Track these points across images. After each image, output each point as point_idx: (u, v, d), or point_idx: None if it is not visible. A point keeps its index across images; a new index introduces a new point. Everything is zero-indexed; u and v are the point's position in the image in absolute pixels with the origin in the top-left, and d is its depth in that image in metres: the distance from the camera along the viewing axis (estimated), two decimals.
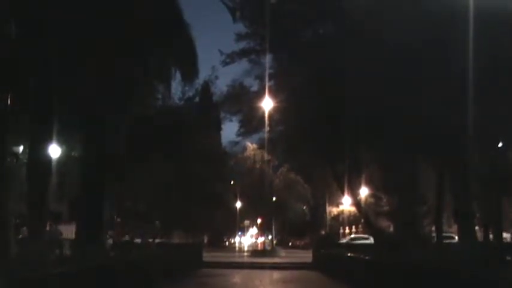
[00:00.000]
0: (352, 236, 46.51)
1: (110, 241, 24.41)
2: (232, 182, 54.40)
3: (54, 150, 17.53)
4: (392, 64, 16.36)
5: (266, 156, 44.15)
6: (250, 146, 51.61)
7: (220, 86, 28.73)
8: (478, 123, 14.54)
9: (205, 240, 61.47)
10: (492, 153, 18.79)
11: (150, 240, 34.71)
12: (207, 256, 32.94)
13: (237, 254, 49.14)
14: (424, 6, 14.86)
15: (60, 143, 18.73)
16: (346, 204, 43.18)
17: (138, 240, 32.62)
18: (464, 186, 17.54)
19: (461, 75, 14.03)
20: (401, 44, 15.64)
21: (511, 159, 19.92)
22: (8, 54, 13.07)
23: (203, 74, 27.35)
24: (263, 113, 27.70)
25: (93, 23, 14.45)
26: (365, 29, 17.55)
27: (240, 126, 32.46)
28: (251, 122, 30.58)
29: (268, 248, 51.71)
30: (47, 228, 16.90)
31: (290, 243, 69.41)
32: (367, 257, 18.69)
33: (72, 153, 21.87)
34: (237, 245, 72.62)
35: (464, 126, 14.82)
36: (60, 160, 19.31)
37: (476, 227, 22.08)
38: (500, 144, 19.19)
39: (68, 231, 21.78)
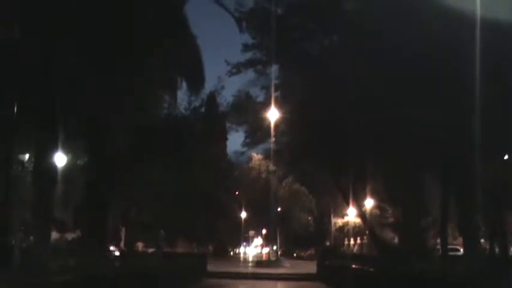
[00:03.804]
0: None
1: (116, 251, 24.42)
2: (237, 192, 54.40)
3: (60, 159, 17.58)
4: (398, 76, 16.36)
5: (271, 167, 44.10)
6: (256, 156, 51.78)
7: (226, 96, 28.61)
8: (483, 135, 14.49)
9: (210, 250, 61.32)
10: (497, 165, 18.71)
11: (151, 250, 34.66)
12: (212, 266, 32.83)
13: (241, 264, 48.91)
14: (429, 17, 14.89)
15: (66, 151, 18.77)
16: (351, 216, 42.97)
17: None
18: (470, 198, 17.44)
19: (467, 87, 14.02)
20: (406, 56, 15.67)
21: None
22: (14, 61, 13.16)
23: (209, 84, 27.26)
24: (269, 123, 27.75)
25: (98, 30, 14.54)
26: (370, 41, 17.57)
27: (246, 137, 32.49)
28: (257, 132, 30.62)
29: (272, 258, 51.44)
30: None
31: (295, 254, 69.18)
32: (372, 269, 18.59)
33: (78, 162, 21.90)
34: (241, 255, 72.32)
35: (469, 138, 14.77)
36: (65, 168, 19.34)
37: (482, 240, 21.95)
38: (505, 156, 19.12)
39: None
